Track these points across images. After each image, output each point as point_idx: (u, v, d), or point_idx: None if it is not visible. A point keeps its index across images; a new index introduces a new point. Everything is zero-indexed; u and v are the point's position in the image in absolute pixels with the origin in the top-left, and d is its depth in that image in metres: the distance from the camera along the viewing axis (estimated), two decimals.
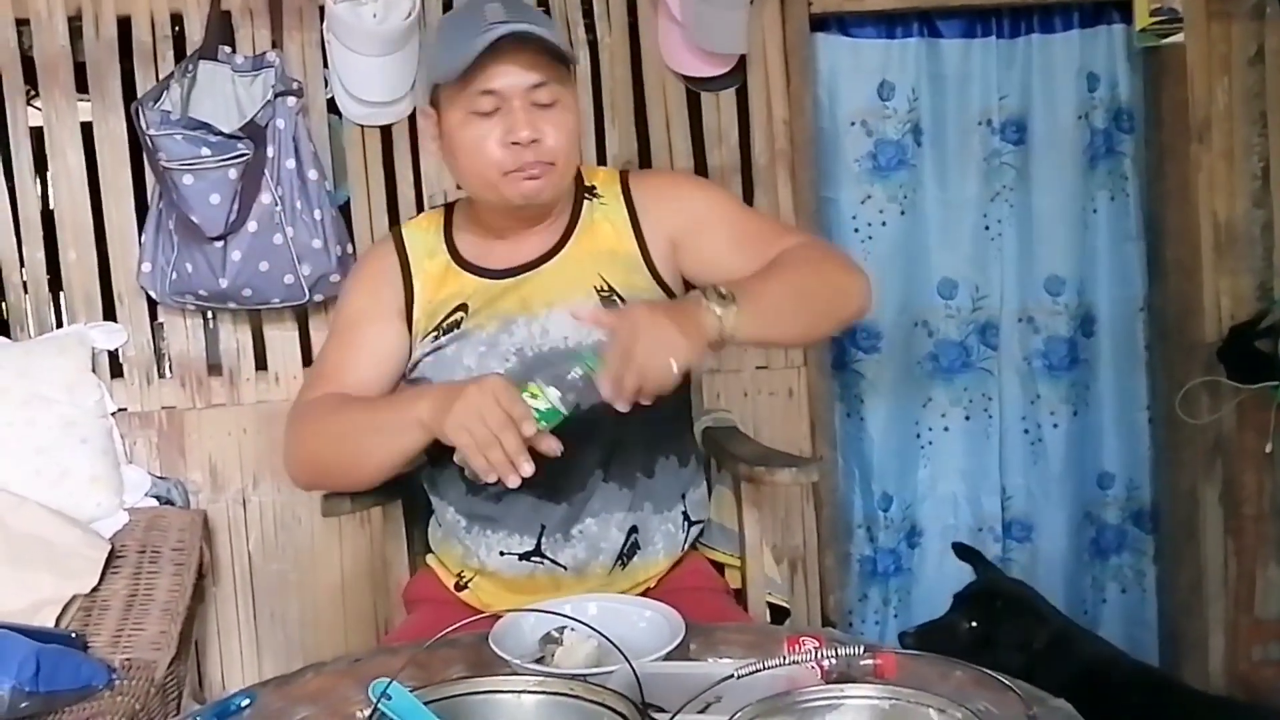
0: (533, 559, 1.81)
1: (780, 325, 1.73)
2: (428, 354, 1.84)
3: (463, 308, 1.84)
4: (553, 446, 1.58)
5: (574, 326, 1.78)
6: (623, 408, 1.56)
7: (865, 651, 1.24)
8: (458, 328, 1.83)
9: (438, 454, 1.86)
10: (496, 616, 1.49)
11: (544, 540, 1.81)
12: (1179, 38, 3.01)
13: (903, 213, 3.11)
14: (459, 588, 1.90)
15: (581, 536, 1.81)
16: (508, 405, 1.55)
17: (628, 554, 1.83)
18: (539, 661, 1.38)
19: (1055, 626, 2.44)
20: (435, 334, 1.84)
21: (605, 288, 1.82)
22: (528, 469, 1.55)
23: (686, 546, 1.91)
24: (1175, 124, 3.08)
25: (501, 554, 1.83)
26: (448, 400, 1.59)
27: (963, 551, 2.67)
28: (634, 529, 1.83)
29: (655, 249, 1.87)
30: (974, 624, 2.44)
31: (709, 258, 1.86)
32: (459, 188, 2.00)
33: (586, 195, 1.91)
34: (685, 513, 1.90)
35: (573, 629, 1.41)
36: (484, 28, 1.69)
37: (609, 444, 1.79)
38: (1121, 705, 2.16)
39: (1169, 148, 3.11)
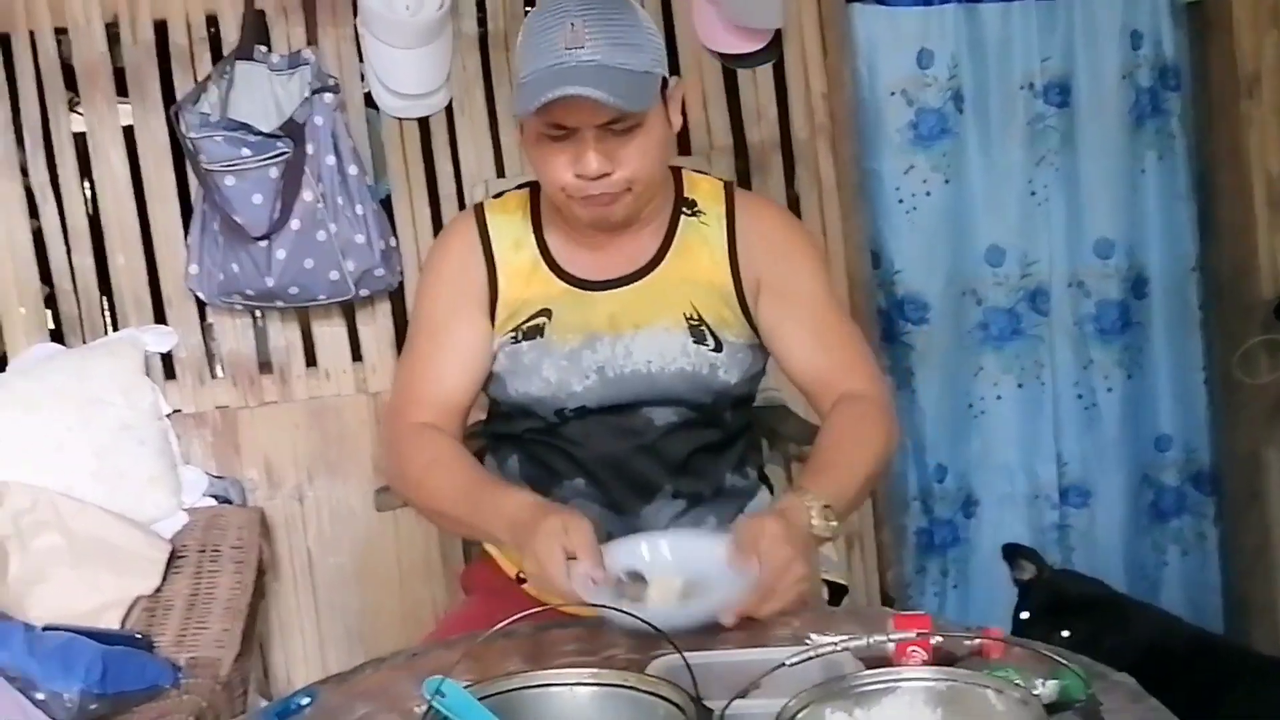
0: None
1: (853, 509, 1.80)
2: (506, 356, 1.79)
3: (546, 313, 1.78)
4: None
5: (659, 351, 1.75)
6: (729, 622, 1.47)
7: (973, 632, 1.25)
8: (540, 334, 1.77)
9: (498, 451, 1.88)
10: (551, 611, 1.49)
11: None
12: None
13: (947, 181, 3.07)
14: (521, 580, 1.90)
15: None
16: (573, 547, 1.50)
17: None
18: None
19: (1110, 605, 2.40)
20: (515, 335, 1.79)
21: (695, 316, 1.78)
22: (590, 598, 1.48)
23: None
24: (1223, 80, 3.03)
25: None
26: (526, 533, 1.55)
27: (1010, 554, 2.58)
28: None
29: (746, 284, 1.81)
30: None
31: (785, 342, 1.81)
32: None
33: (685, 209, 1.83)
34: None
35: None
36: (559, 54, 1.60)
37: (680, 464, 1.79)
38: (1187, 675, 2.13)
39: (1218, 105, 3.06)
